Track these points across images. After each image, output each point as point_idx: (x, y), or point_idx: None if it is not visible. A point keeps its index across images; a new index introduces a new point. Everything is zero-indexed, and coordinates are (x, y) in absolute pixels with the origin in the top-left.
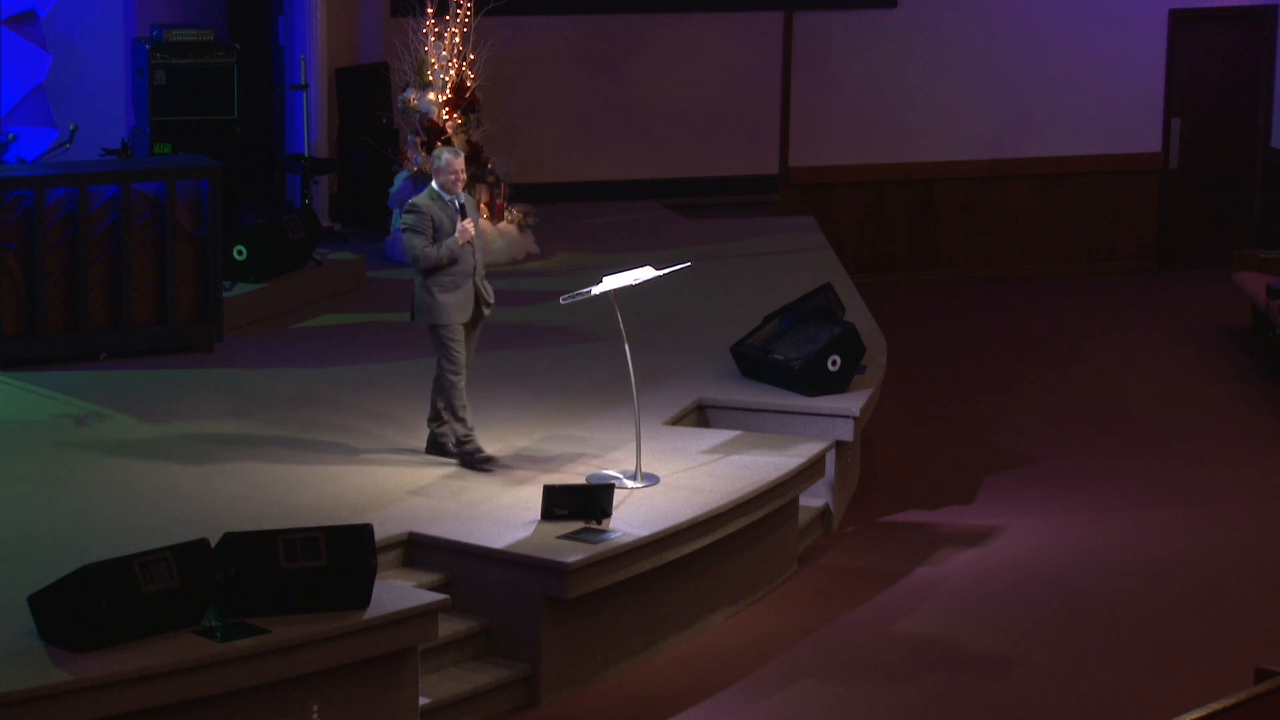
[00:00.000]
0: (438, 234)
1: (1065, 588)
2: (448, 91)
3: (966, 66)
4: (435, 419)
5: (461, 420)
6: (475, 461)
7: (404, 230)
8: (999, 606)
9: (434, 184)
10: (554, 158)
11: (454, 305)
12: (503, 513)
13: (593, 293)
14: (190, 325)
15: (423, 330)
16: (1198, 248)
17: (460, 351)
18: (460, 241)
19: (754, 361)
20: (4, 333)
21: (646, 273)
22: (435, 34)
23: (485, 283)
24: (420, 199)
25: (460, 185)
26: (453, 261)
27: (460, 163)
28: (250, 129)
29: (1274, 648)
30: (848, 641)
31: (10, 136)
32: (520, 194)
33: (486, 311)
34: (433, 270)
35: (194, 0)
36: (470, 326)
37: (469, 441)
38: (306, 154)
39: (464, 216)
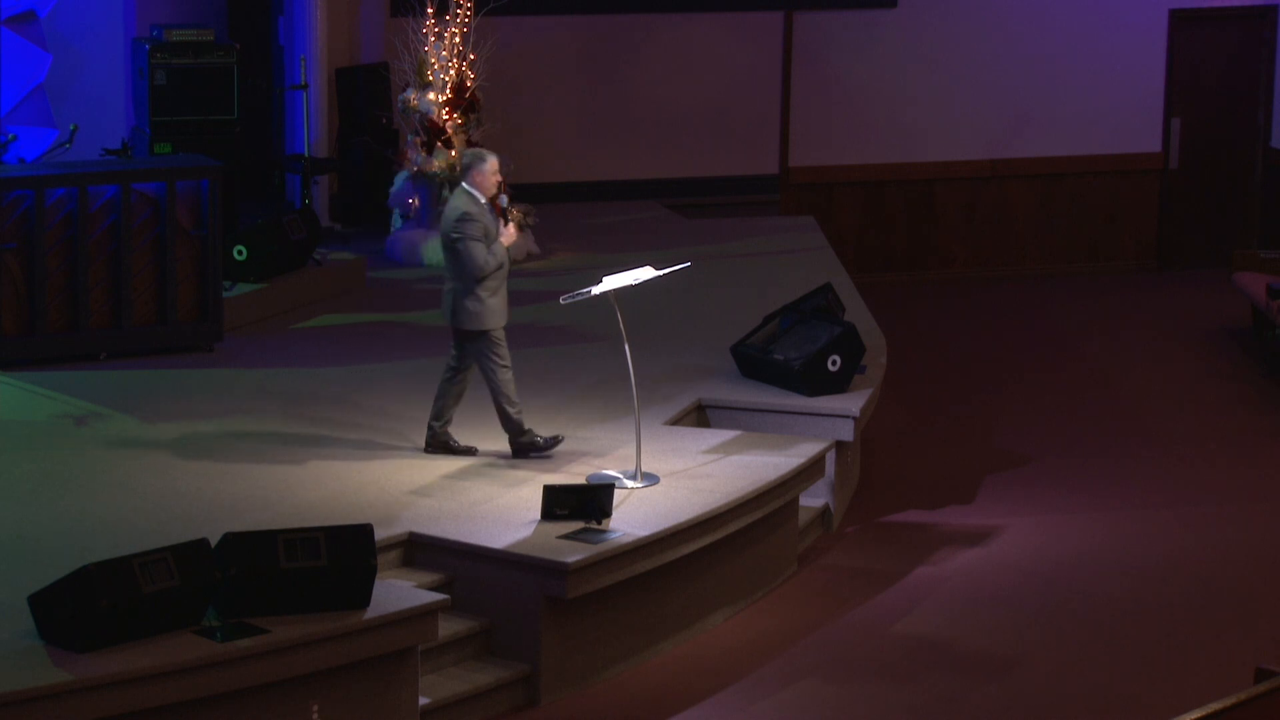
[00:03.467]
0: (485, 240)
1: (1065, 588)
2: (448, 91)
3: (966, 66)
4: (438, 417)
5: (519, 412)
6: (537, 450)
7: (463, 239)
8: (999, 606)
9: (467, 187)
10: (554, 158)
11: (501, 309)
12: (503, 513)
13: (593, 293)
14: (190, 325)
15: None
16: (1198, 248)
17: (507, 349)
18: (506, 244)
19: (754, 361)
20: (4, 333)
21: (646, 273)
22: (435, 34)
23: None
24: (470, 207)
25: (500, 189)
26: (498, 266)
27: (498, 164)
28: (250, 129)
29: (1274, 648)
30: (848, 641)
31: (10, 136)
32: (520, 194)
33: None
34: (484, 277)
35: (194, 0)
36: None
37: (528, 434)
38: (306, 154)
39: (505, 221)
